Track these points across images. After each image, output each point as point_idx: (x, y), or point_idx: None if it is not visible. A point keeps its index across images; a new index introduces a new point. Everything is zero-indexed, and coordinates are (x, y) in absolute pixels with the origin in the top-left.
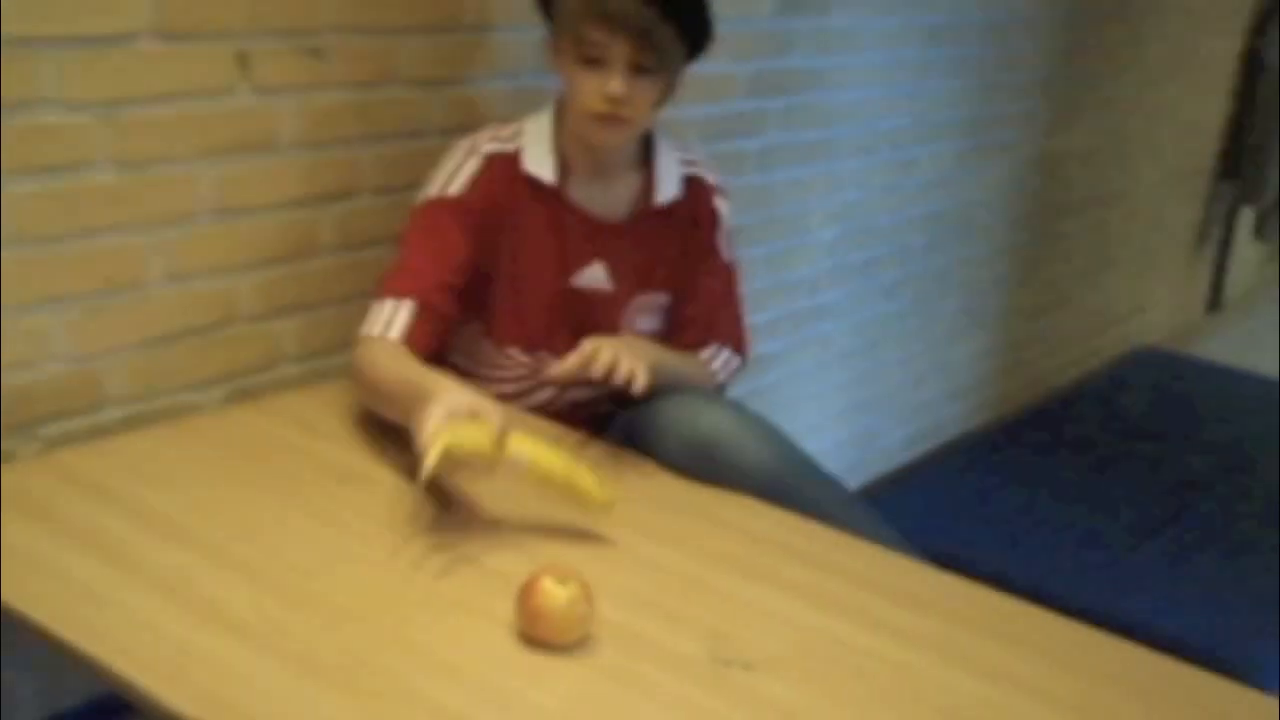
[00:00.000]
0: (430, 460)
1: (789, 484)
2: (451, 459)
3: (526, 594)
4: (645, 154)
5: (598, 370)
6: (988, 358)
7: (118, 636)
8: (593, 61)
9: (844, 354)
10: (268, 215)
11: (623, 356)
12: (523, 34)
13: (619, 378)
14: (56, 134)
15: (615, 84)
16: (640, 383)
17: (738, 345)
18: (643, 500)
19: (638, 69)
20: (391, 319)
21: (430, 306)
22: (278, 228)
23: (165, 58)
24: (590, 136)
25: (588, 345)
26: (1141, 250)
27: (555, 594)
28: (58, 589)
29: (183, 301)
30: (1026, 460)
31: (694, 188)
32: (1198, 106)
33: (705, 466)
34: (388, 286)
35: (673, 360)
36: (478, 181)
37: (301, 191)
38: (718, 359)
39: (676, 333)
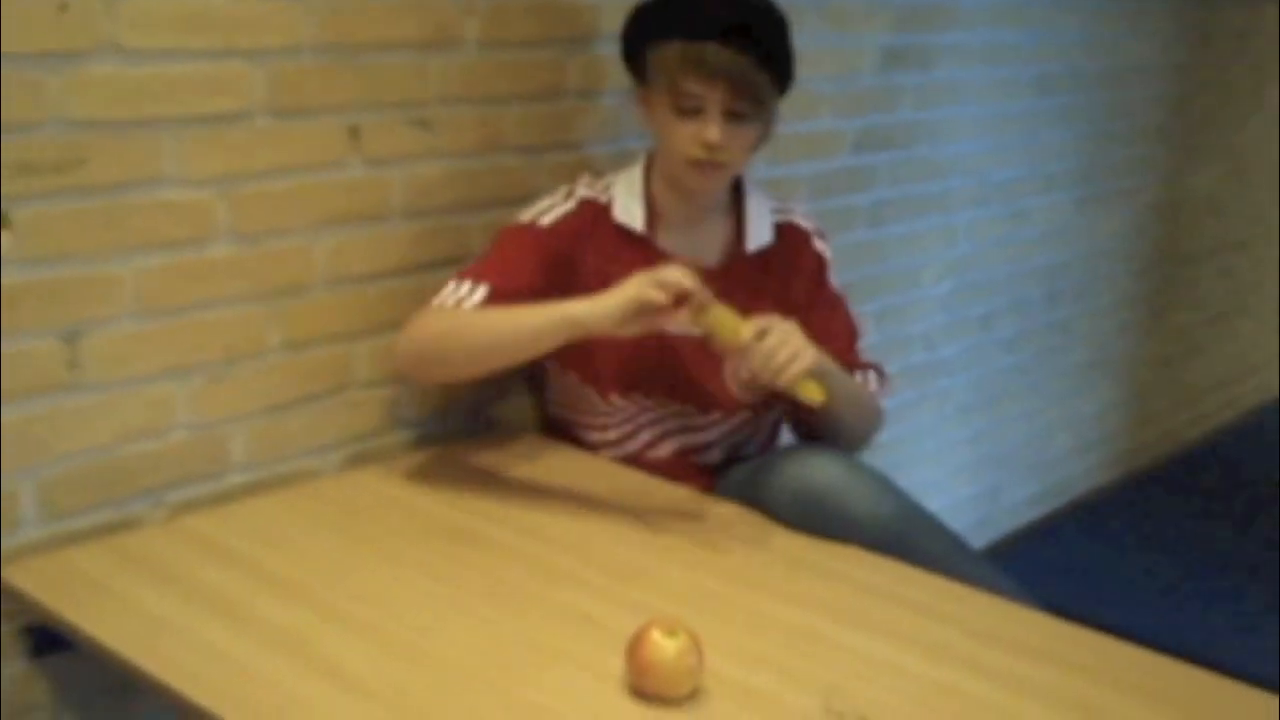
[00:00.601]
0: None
1: (903, 535)
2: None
3: (635, 646)
4: (734, 201)
5: (756, 363)
6: (1116, 410)
7: (242, 695)
8: (689, 112)
9: (964, 409)
10: (379, 283)
11: (783, 346)
12: (623, 98)
13: (777, 364)
14: (177, 209)
15: (713, 131)
16: (795, 369)
17: (876, 368)
18: (753, 553)
19: (732, 115)
20: (467, 297)
21: (504, 296)
22: (389, 294)
23: (279, 134)
24: (687, 183)
25: (754, 327)
26: (1275, 297)
27: (664, 646)
28: (184, 649)
29: (300, 368)
30: (1159, 517)
31: (788, 234)
32: None
33: (817, 519)
34: (463, 272)
35: (836, 369)
36: (568, 221)
37: (411, 259)
38: (871, 383)
39: None
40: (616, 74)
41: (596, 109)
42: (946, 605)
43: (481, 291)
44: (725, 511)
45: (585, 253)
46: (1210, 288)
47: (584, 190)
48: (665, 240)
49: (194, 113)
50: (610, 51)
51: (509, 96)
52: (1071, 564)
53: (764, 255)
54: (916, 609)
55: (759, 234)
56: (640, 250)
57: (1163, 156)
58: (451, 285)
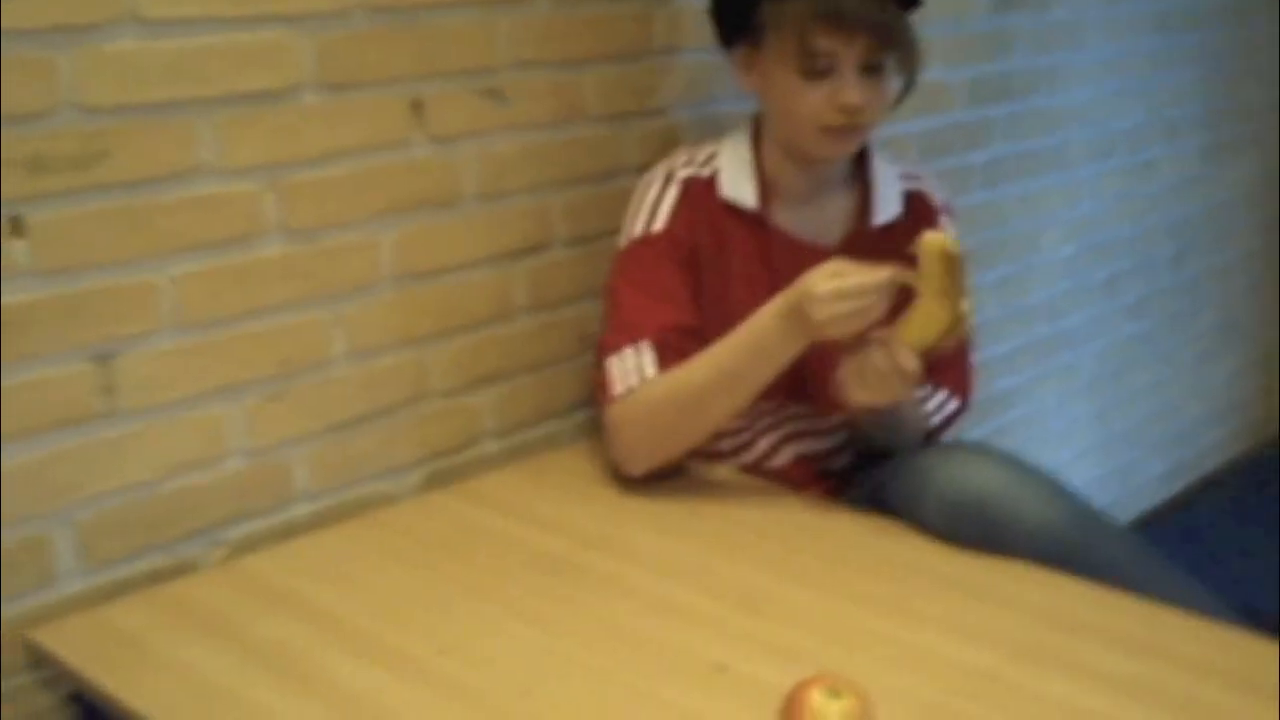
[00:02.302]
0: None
1: (1080, 545)
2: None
3: (792, 711)
4: (858, 170)
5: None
6: (1248, 376)
7: None
8: (820, 73)
9: (1091, 383)
10: (454, 278)
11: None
12: (718, 56)
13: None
14: (218, 205)
15: (852, 93)
16: (846, 327)
17: (958, 388)
18: (908, 576)
19: (870, 69)
20: (639, 365)
21: (669, 347)
22: (466, 291)
23: (332, 112)
24: (818, 151)
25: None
26: None
27: (828, 712)
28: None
29: (369, 380)
30: None
31: (917, 206)
32: None
33: (979, 530)
34: (610, 341)
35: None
36: (681, 213)
37: (489, 249)
38: (932, 400)
39: None
40: (706, 27)
41: (684, 68)
42: (1149, 632)
43: (648, 354)
44: (866, 525)
45: (702, 241)
46: None
47: (684, 170)
48: (781, 218)
49: (231, 91)
50: (697, 2)
51: (588, 58)
52: (1208, 545)
53: (890, 230)
54: (1113, 640)
55: (887, 206)
56: (753, 230)
57: None
58: (614, 363)
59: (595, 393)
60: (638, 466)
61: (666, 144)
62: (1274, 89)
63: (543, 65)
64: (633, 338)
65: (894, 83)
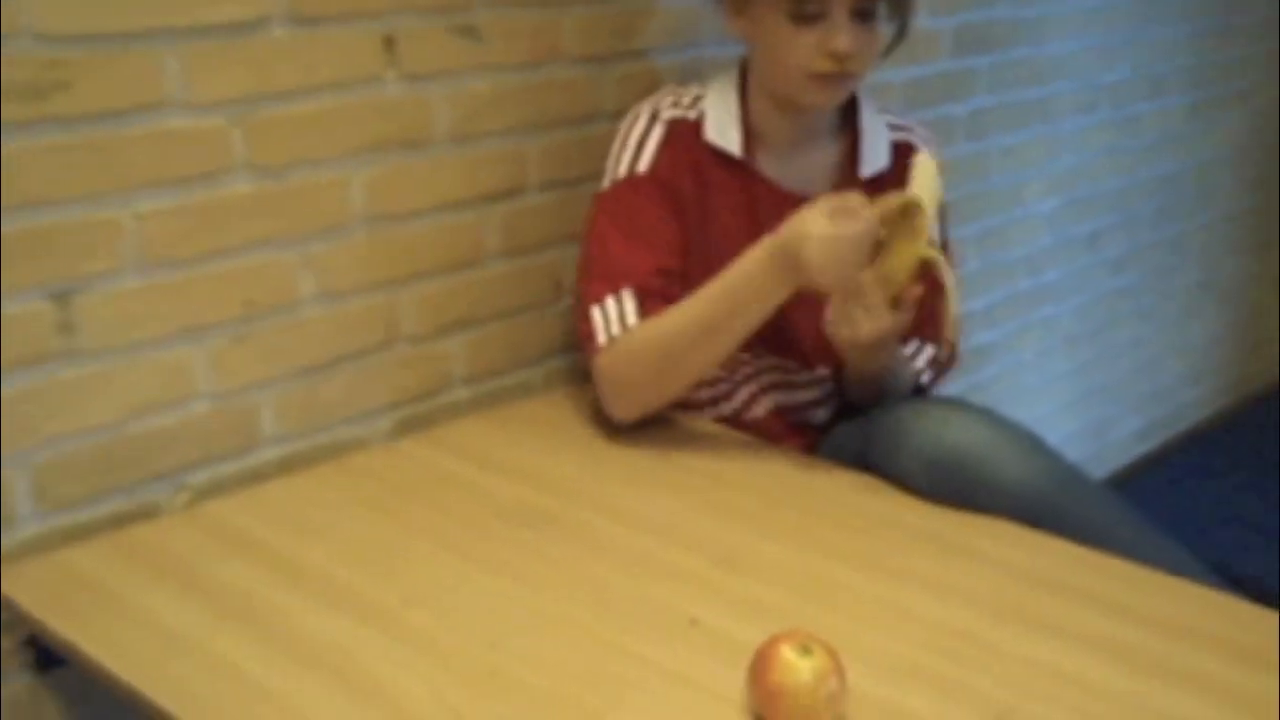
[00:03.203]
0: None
1: (1059, 504)
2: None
3: (761, 667)
4: (847, 119)
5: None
6: (1227, 334)
7: None
8: (810, 17)
9: (1070, 339)
10: (427, 220)
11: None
12: None
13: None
14: (184, 140)
15: (842, 39)
16: (843, 274)
17: (946, 341)
18: (885, 531)
19: (860, 15)
20: (622, 313)
21: (653, 292)
22: (439, 233)
23: (301, 46)
24: (806, 99)
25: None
26: None
27: (798, 667)
28: (201, 672)
29: (338, 323)
30: (1273, 448)
31: (905, 154)
32: None
33: (953, 486)
34: (593, 290)
35: (891, 367)
36: (665, 152)
37: (462, 192)
38: (921, 356)
39: None
40: None
41: (665, 10)
42: (1127, 593)
43: (630, 302)
44: (845, 479)
45: (686, 183)
46: None
47: (669, 110)
48: (766, 166)
49: (199, 22)
50: None
51: None
52: (1184, 500)
53: (878, 181)
54: (1092, 601)
55: (875, 157)
56: (738, 177)
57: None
58: (596, 312)
59: (579, 341)
60: (628, 414)
61: (647, 88)
62: (1262, 44)
63: (519, 4)
64: (614, 286)
65: (885, 29)
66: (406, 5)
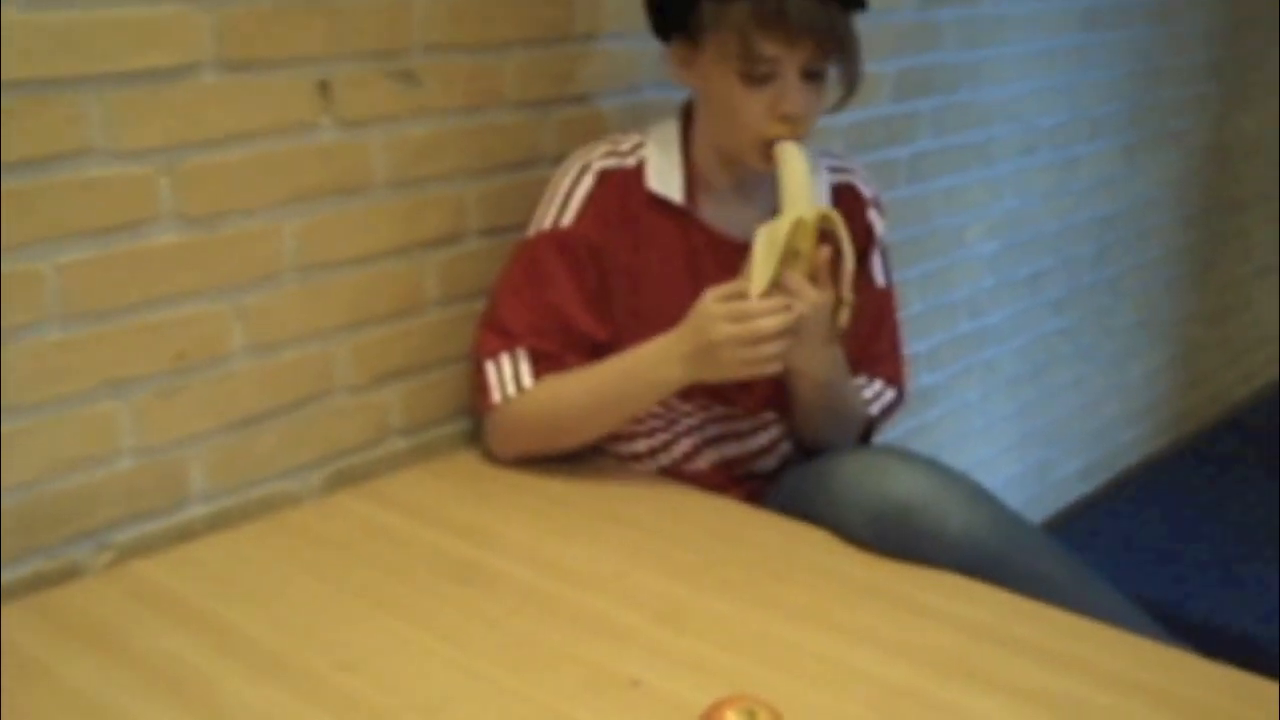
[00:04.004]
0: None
1: (1001, 553)
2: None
3: None
4: None
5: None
6: (1166, 373)
7: None
8: (761, 78)
9: (1012, 380)
10: (362, 268)
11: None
12: (642, 42)
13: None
14: (109, 189)
15: (795, 101)
16: (762, 372)
17: (893, 379)
18: (827, 585)
19: (811, 75)
20: (516, 374)
21: (548, 355)
22: (374, 282)
23: (232, 92)
24: (755, 164)
25: (789, 286)
26: None
27: None
28: None
29: (270, 375)
30: (1212, 486)
31: (846, 199)
32: None
33: (898, 538)
34: (489, 342)
35: (841, 379)
36: (592, 205)
37: (399, 239)
38: (868, 389)
39: None
40: (635, 11)
41: (611, 55)
42: (1073, 646)
43: (525, 364)
44: (789, 531)
45: (616, 238)
46: (1259, 237)
47: (602, 161)
48: (708, 213)
49: (125, 69)
50: None
51: (506, 41)
52: (1125, 540)
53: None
54: (1038, 654)
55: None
56: (678, 225)
57: (1213, 96)
58: (490, 369)
59: (472, 393)
60: (512, 461)
61: (587, 132)
62: (1193, 88)
63: (458, 48)
64: (511, 343)
65: (831, 86)
66: (342, 50)
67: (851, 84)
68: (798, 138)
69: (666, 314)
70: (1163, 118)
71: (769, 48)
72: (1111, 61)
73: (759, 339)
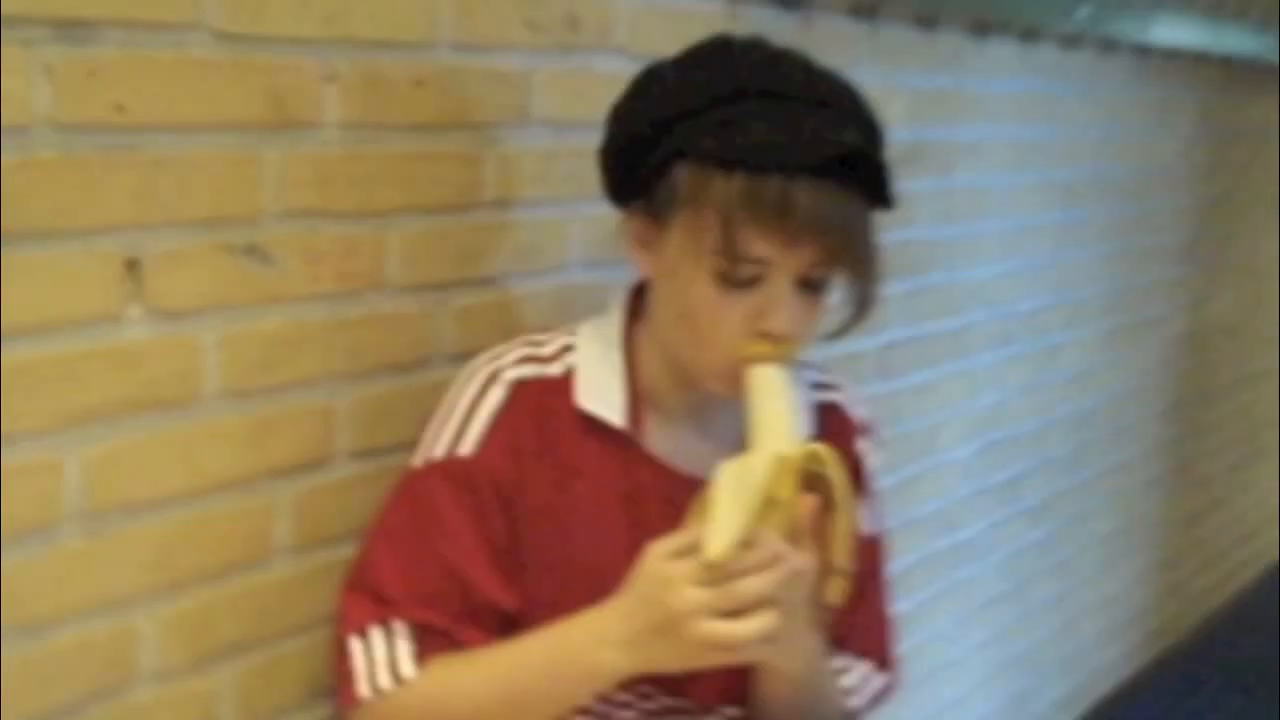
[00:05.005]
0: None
1: None
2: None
3: None
4: None
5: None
6: (1143, 584)
7: None
8: (743, 281)
9: (988, 603)
10: (182, 510)
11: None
12: (571, 210)
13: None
14: None
15: (783, 317)
16: (737, 659)
17: (883, 660)
18: None
19: (808, 285)
20: (392, 657)
21: (436, 632)
22: (200, 528)
23: (8, 272)
24: (720, 392)
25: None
26: None
27: None
28: None
29: (39, 662)
30: (1203, 704)
31: (832, 422)
32: None
33: None
34: (356, 611)
35: (820, 674)
36: (500, 427)
37: (240, 468)
38: (851, 675)
39: None
40: (555, 172)
41: (523, 226)
42: None
43: (404, 643)
44: None
45: (532, 471)
46: (1230, 431)
47: (516, 369)
48: (655, 440)
49: None
50: (546, 142)
51: (392, 209)
52: None
53: None
54: None
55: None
56: (617, 455)
57: (1188, 278)
58: (357, 648)
59: (333, 681)
60: None
61: (497, 328)
62: (1171, 268)
63: (325, 215)
64: (385, 613)
65: (831, 298)
66: (161, 216)
67: (864, 303)
68: (781, 362)
69: (598, 575)
70: (1141, 301)
71: (760, 245)
72: (1090, 240)
73: (741, 606)
